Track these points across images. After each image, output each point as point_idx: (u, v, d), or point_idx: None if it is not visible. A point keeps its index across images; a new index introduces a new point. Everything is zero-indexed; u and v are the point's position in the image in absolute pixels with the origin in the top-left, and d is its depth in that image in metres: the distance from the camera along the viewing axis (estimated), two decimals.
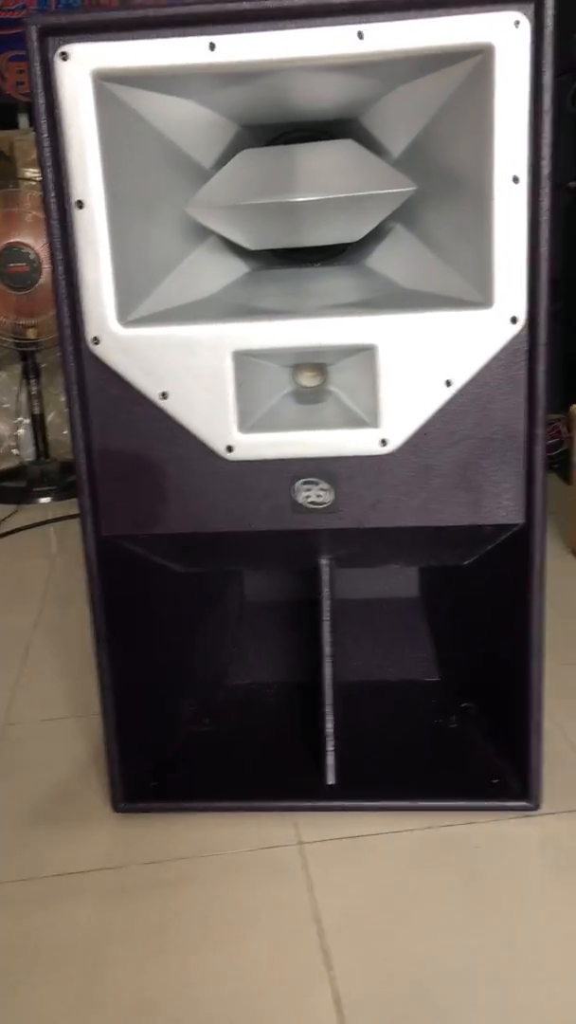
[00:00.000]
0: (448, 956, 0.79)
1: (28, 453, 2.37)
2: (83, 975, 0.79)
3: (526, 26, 0.77)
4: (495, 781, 0.98)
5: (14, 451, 2.44)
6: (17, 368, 2.31)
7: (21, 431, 2.40)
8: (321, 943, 0.81)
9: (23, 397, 2.28)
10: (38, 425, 2.29)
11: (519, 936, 0.81)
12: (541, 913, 0.83)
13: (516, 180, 0.80)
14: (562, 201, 2.54)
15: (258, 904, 0.86)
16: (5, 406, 2.51)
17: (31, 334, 2.10)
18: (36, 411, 2.27)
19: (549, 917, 0.83)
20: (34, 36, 0.80)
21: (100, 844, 0.95)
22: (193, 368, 0.87)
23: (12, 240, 2.02)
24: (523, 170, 0.80)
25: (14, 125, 2.40)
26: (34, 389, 2.24)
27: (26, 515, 2.11)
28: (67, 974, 0.79)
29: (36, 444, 2.31)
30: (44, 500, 2.16)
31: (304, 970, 0.78)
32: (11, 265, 2.02)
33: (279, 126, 0.92)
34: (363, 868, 0.90)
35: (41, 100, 0.81)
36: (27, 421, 2.34)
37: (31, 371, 2.22)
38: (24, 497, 2.15)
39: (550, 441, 2.19)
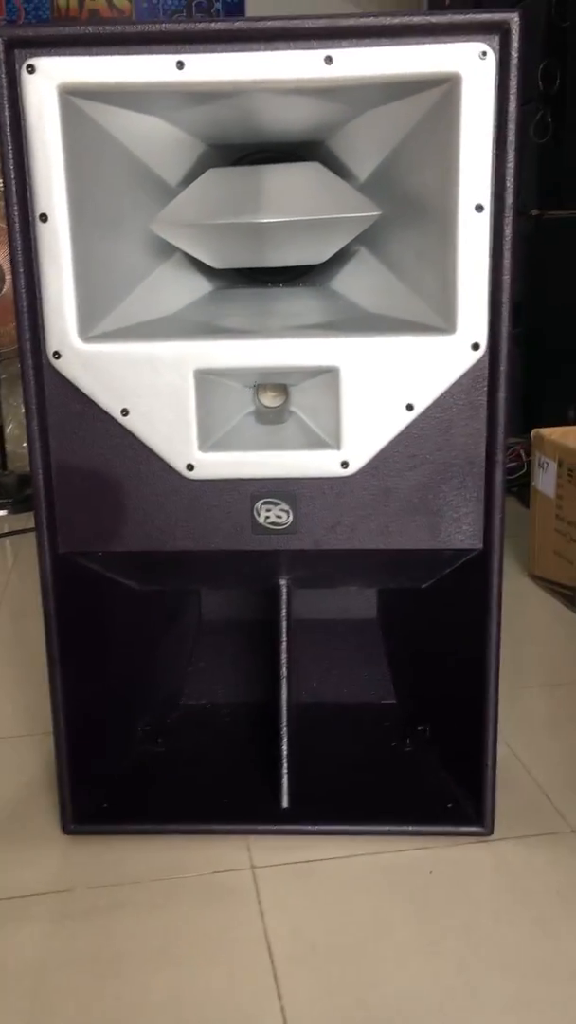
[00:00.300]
0: (399, 984, 0.78)
1: None
2: (29, 1002, 0.77)
3: (492, 57, 0.78)
4: (449, 806, 0.98)
5: None
6: None
7: None
8: (272, 970, 0.80)
9: None
10: None
11: (470, 964, 0.80)
12: (492, 939, 0.83)
13: (480, 208, 0.81)
14: (524, 229, 2.58)
15: (209, 930, 0.85)
16: None
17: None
18: None
19: (500, 943, 0.82)
20: (0, 48, 0.79)
21: (48, 867, 0.93)
22: (155, 385, 0.86)
23: None
24: (487, 199, 0.81)
25: None
26: None
27: None
28: (12, 1001, 0.77)
29: None
30: (1, 512, 2.13)
31: (254, 998, 0.77)
32: None
33: (246, 146, 0.93)
34: (316, 893, 0.89)
35: (6, 113, 0.80)
36: None
37: None
38: None
39: (509, 464, 2.22)
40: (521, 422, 2.61)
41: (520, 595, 1.60)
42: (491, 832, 0.96)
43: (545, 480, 1.57)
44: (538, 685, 1.29)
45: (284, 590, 1.01)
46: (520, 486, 2.11)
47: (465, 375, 0.85)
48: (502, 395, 0.85)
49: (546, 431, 1.58)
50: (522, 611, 1.54)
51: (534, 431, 1.61)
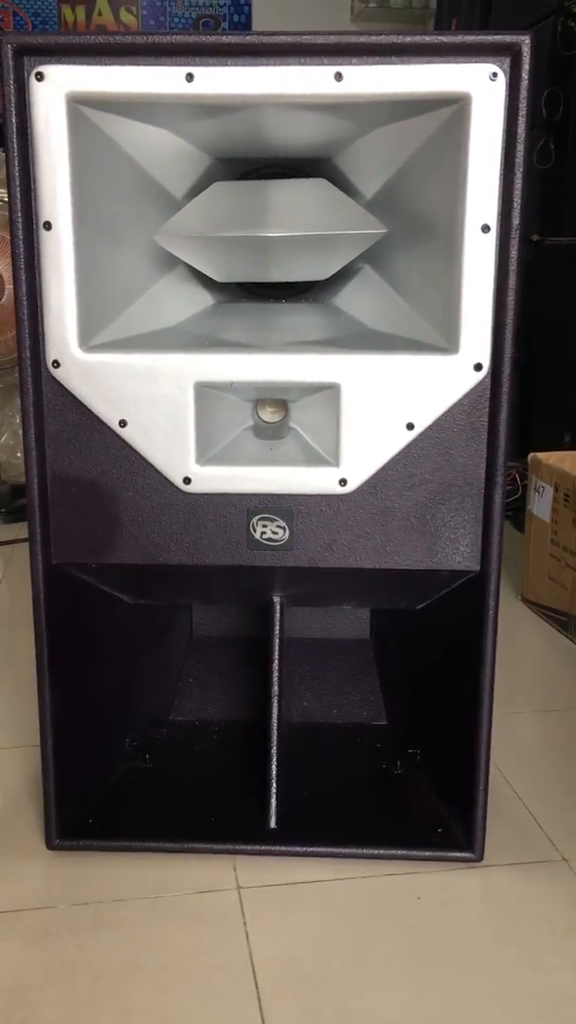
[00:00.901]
0: (383, 1011, 0.77)
1: None
2: (6, 1019, 0.76)
3: (502, 79, 0.78)
4: (439, 831, 0.97)
5: None
6: None
7: None
8: (256, 993, 0.79)
9: None
10: None
11: (456, 991, 0.79)
12: (479, 968, 0.82)
13: (486, 229, 0.81)
14: (525, 254, 2.59)
15: (193, 950, 0.83)
16: None
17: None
18: None
19: (487, 973, 0.81)
20: (10, 55, 0.79)
21: (31, 882, 0.92)
22: (154, 397, 0.86)
23: None
24: (493, 220, 0.81)
25: None
26: None
27: None
28: None
29: None
30: None
31: (237, 1022, 0.76)
32: None
33: (253, 161, 0.93)
34: (302, 916, 0.88)
35: (14, 119, 0.80)
36: None
37: None
38: None
39: (505, 487, 2.22)
40: (516, 446, 2.62)
41: (513, 620, 1.59)
42: (481, 858, 0.94)
43: (541, 505, 1.56)
44: (530, 711, 1.28)
45: (277, 607, 1.00)
46: (515, 510, 2.10)
47: (467, 396, 0.85)
48: (503, 417, 0.85)
49: (543, 455, 1.58)
50: (515, 636, 1.53)
51: (531, 455, 1.61)
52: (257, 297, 0.98)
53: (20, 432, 0.88)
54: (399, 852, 0.95)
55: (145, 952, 0.83)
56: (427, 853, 0.95)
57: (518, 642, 1.52)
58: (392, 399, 0.85)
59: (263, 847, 0.95)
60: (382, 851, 0.95)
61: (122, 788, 1.03)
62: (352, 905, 0.89)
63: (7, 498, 2.17)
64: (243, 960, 0.82)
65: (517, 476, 2.20)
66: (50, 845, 0.96)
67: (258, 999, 0.78)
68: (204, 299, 0.95)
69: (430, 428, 0.86)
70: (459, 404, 0.85)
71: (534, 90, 2.47)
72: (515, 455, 2.54)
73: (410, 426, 0.86)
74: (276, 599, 1.00)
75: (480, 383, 0.85)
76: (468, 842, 0.95)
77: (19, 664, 1.38)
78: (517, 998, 0.78)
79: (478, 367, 0.84)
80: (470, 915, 0.88)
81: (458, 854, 0.95)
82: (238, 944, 0.84)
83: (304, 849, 0.95)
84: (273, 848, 0.95)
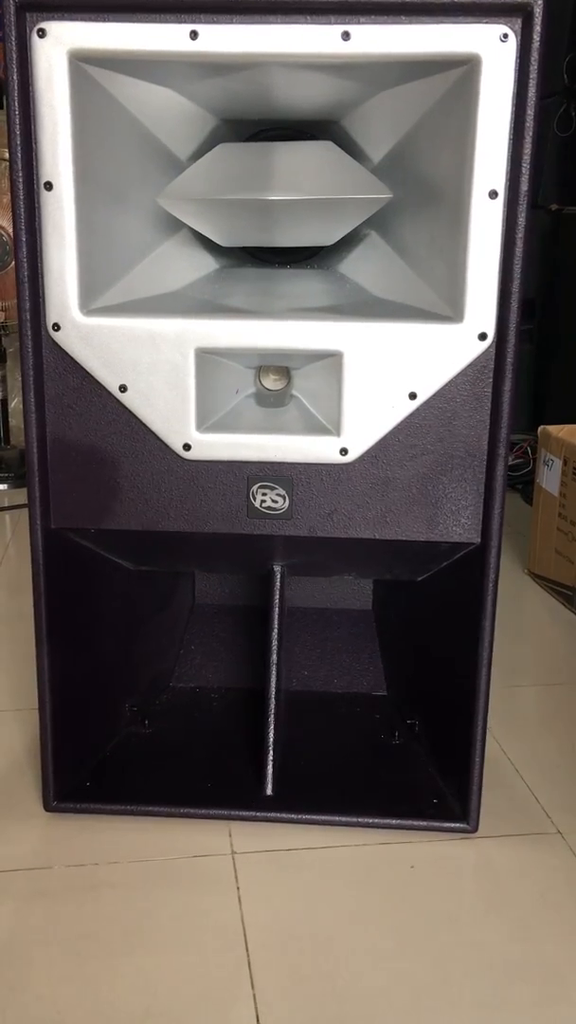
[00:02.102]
0: (372, 978, 0.77)
1: None
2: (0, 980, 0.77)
3: (513, 40, 0.76)
4: (435, 801, 0.97)
5: None
6: None
7: None
8: (247, 958, 0.79)
9: None
10: (1, 410, 2.25)
11: (446, 961, 0.79)
12: (469, 938, 0.82)
13: (493, 195, 0.79)
14: (542, 223, 2.55)
15: (185, 914, 0.84)
16: None
17: (0, 317, 2.07)
18: (1, 395, 2.24)
19: (476, 942, 0.81)
20: (12, 11, 0.78)
21: (27, 843, 0.93)
22: (154, 362, 0.85)
23: None
24: (501, 185, 0.79)
25: None
26: (1, 372, 2.20)
27: None
28: None
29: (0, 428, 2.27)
30: (2, 487, 2.12)
31: (227, 985, 0.76)
32: None
33: (259, 122, 0.91)
34: (295, 882, 0.88)
35: (15, 76, 0.79)
36: None
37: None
38: None
39: (515, 461, 2.21)
40: (529, 418, 2.60)
41: (518, 593, 1.58)
42: (476, 829, 0.95)
43: (550, 478, 1.55)
44: (533, 684, 1.28)
45: (278, 576, 0.99)
46: (525, 483, 2.09)
47: (471, 365, 0.84)
48: (508, 388, 0.84)
49: (553, 428, 1.57)
50: (520, 609, 1.53)
51: (541, 428, 1.59)
52: (262, 262, 0.96)
53: None
54: (394, 821, 0.95)
55: (138, 915, 0.84)
56: (422, 823, 0.95)
57: (523, 615, 1.51)
58: (395, 368, 0.84)
59: (259, 813, 0.96)
60: (377, 820, 0.95)
61: (121, 752, 1.04)
62: (345, 872, 0.89)
63: (16, 463, 2.17)
64: (235, 925, 0.83)
65: (528, 449, 2.18)
66: (47, 807, 0.96)
67: (248, 964, 0.78)
68: (208, 263, 0.93)
69: (433, 398, 0.85)
70: (463, 374, 0.84)
71: (555, 56, 2.41)
72: (529, 427, 2.52)
73: (413, 395, 0.85)
74: (277, 568, 1.00)
75: (484, 353, 0.83)
76: (463, 813, 0.95)
77: (23, 627, 1.38)
78: (506, 968, 0.79)
79: (483, 336, 0.83)
80: (462, 885, 0.88)
81: (453, 824, 0.95)
82: (230, 909, 0.85)
83: (299, 816, 0.95)
84: (269, 815, 0.95)
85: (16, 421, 2.30)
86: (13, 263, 1.98)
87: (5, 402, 2.25)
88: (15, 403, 2.34)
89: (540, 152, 0.75)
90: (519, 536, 1.84)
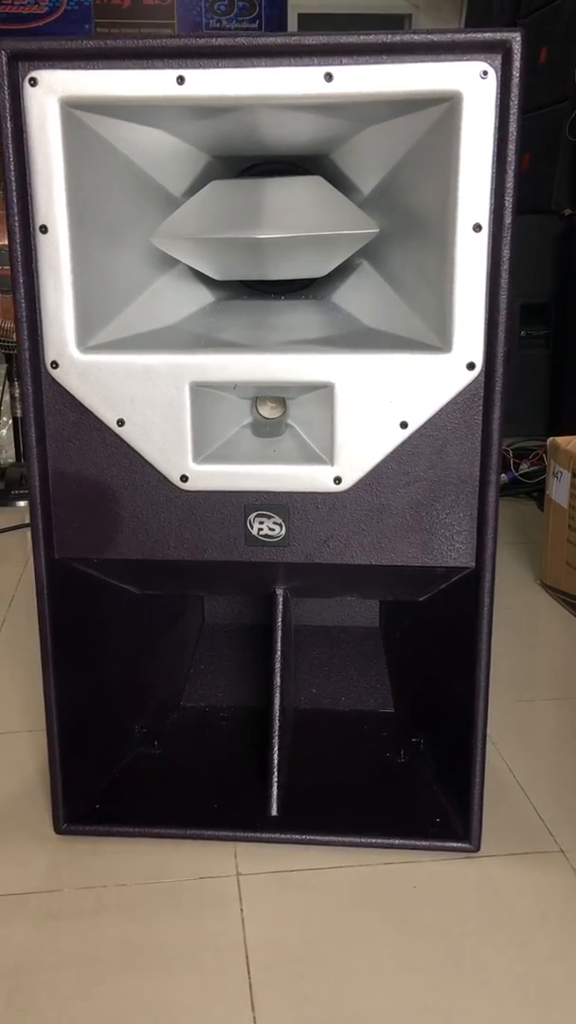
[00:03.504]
0: (374, 999, 0.79)
1: (9, 455, 2.37)
2: (6, 1001, 0.79)
3: (493, 76, 0.78)
4: (438, 820, 0.98)
5: None
6: (2, 368, 2.31)
7: (3, 432, 2.40)
8: (248, 981, 0.81)
9: (7, 398, 2.28)
10: (20, 428, 2.29)
11: (447, 982, 0.81)
12: (471, 959, 0.83)
13: (478, 228, 0.80)
14: (556, 228, 2.55)
15: (191, 936, 0.86)
16: None
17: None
18: (19, 413, 2.27)
19: (478, 963, 0.83)
20: (3, 60, 0.80)
21: (37, 865, 0.95)
22: (150, 397, 0.87)
23: (1, 243, 2.01)
24: (485, 218, 0.80)
25: None
26: (17, 391, 2.24)
27: (4, 517, 2.10)
28: None
29: (17, 446, 2.31)
30: (22, 503, 2.16)
31: (228, 1008, 0.78)
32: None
33: (250, 158, 0.93)
34: (298, 904, 0.90)
35: (8, 124, 0.81)
36: (10, 422, 2.34)
37: (15, 373, 2.22)
38: (2, 499, 2.15)
39: (530, 468, 2.21)
40: (545, 424, 2.60)
41: (530, 605, 1.59)
42: (478, 849, 0.96)
43: (559, 490, 1.56)
44: (542, 699, 1.29)
45: (280, 599, 1.01)
46: (539, 491, 2.09)
47: (460, 394, 0.85)
48: (496, 415, 0.85)
49: (562, 440, 1.57)
50: (531, 621, 1.53)
51: (550, 440, 1.60)
52: (256, 293, 0.98)
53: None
54: (396, 841, 0.96)
55: (144, 937, 0.86)
56: (424, 843, 0.96)
57: (534, 628, 1.52)
58: (386, 398, 0.85)
59: (263, 835, 0.97)
60: (380, 840, 0.97)
61: (130, 774, 1.06)
62: (347, 893, 0.91)
63: None
64: (237, 946, 0.85)
65: (544, 455, 2.18)
66: (58, 830, 0.99)
67: (249, 985, 0.80)
68: (203, 296, 0.96)
69: (424, 426, 0.86)
70: (453, 403, 0.85)
71: (564, 64, 2.40)
72: (545, 432, 2.52)
73: (404, 424, 0.86)
74: (279, 591, 1.01)
75: (474, 382, 0.85)
76: (465, 832, 0.96)
77: (34, 647, 1.41)
78: (507, 989, 0.80)
79: (471, 366, 0.84)
80: (464, 905, 0.90)
81: (455, 844, 0.96)
82: (234, 931, 0.86)
83: (303, 837, 0.97)
84: (273, 836, 0.97)
85: None
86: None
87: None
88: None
89: (519, 184, 0.77)
90: (532, 545, 1.85)
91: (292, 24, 5.39)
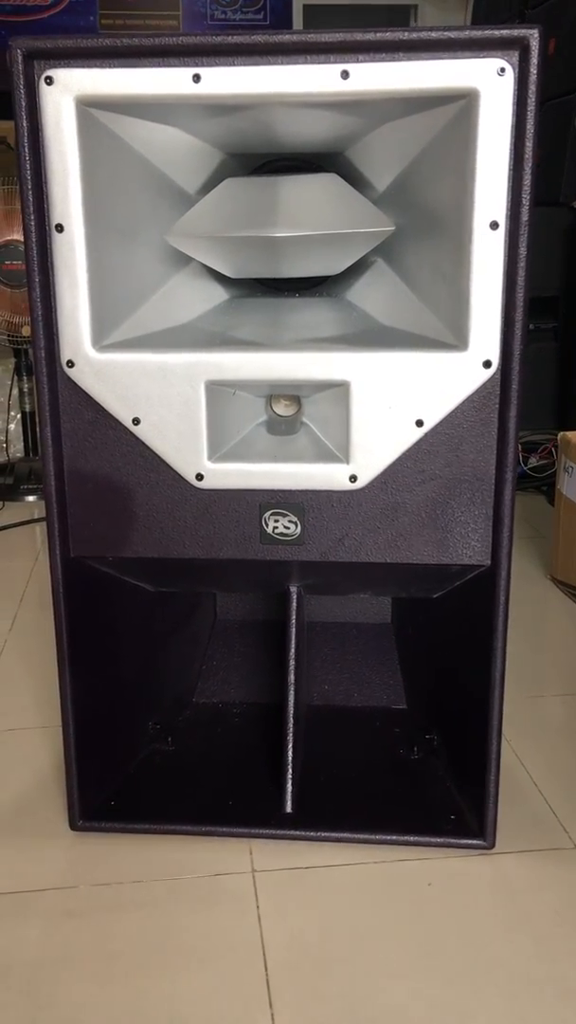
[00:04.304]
0: (390, 996, 0.79)
1: (18, 449, 2.37)
2: (26, 997, 0.79)
3: (511, 74, 0.77)
4: (452, 817, 0.98)
5: (3, 444, 2.44)
6: (11, 363, 2.31)
7: (12, 426, 2.40)
8: (266, 977, 0.81)
9: (15, 393, 2.28)
10: (29, 422, 2.29)
11: (462, 979, 0.81)
12: (486, 956, 0.83)
13: (494, 226, 0.80)
14: (565, 219, 2.54)
15: (207, 933, 0.86)
16: None
17: (25, 331, 2.10)
18: (27, 408, 2.28)
19: (493, 960, 0.83)
20: (19, 59, 0.80)
21: (54, 862, 0.95)
22: (166, 395, 0.87)
23: (9, 238, 2.01)
24: (502, 216, 0.80)
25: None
26: (26, 386, 2.24)
27: (12, 512, 2.11)
28: (9, 996, 0.80)
29: (26, 441, 2.31)
30: (31, 498, 2.16)
31: (245, 1005, 0.78)
32: (7, 263, 2.02)
33: (265, 155, 0.92)
34: (314, 900, 0.90)
35: (24, 123, 0.81)
36: (18, 416, 2.34)
37: (23, 368, 2.22)
38: (11, 494, 2.15)
39: (540, 462, 2.21)
40: (555, 417, 2.59)
41: (541, 600, 1.59)
42: (492, 846, 0.96)
43: (570, 485, 1.55)
44: (554, 694, 1.29)
45: (294, 597, 1.01)
46: (549, 485, 2.09)
47: (476, 392, 0.85)
48: (513, 413, 0.85)
49: (572, 435, 1.57)
50: (543, 616, 1.53)
51: (560, 434, 1.59)
52: (271, 291, 0.98)
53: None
54: (411, 838, 0.96)
55: (160, 933, 0.86)
56: (439, 840, 0.96)
57: (546, 622, 1.52)
58: (402, 396, 0.85)
59: (278, 831, 0.98)
60: (395, 837, 0.97)
61: (145, 770, 1.07)
62: (363, 890, 0.91)
63: None
64: (254, 943, 0.85)
65: (553, 449, 2.18)
66: (73, 826, 0.99)
67: (267, 982, 0.81)
68: (218, 294, 0.95)
69: (440, 425, 0.86)
70: (469, 401, 0.85)
71: (573, 54, 2.38)
72: (556, 426, 2.51)
73: (419, 423, 0.86)
74: (293, 588, 1.02)
75: (490, 380, 0.84)
76: (480, 829, 0.96)
77: (46, 643, 1.41)
78: (523, 985, 0.80)
79: (487, 364, 0.84)
80: (479, 902, 0.90)
81: (470, 841, 0.96)
82: (250, 927, 0.87)
83: (318, 834, 0.97)
84: (288, 833, 0.97)
85: None
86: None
87: (33, 414, 2.29)
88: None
89: (537, 181, 0.76)
90: (543, 540, 1.84)
91: (298, 15, 5.37)
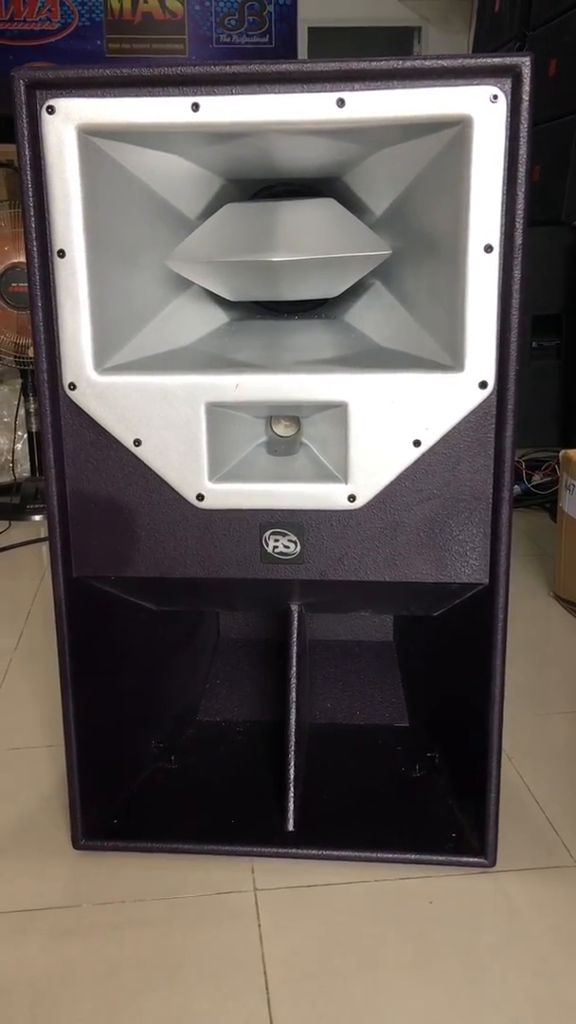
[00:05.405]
0: (390, 1015, 0.79)
1: (24, 469, 2.39)
2: (28, 1017, 0.80)
3: (503, 100, 0.79)
4: (453, 835, 0.99)
5: (10, 464, 2.45)
6: (18, 383, 2.33)
7: (19, 446, 2.42)
8: (267, 995, 0.82)
9: (22, 413, 2.30)
10: (35, 442, 2.31)
11: (463, 998, 0.81)
12: (487, 976, 0.84)
13: (489, 249, 0.81)
14: (567, 239, 2.56)
15: (209, 951, 0.87)
16: (5, 420, 2.53)
17: (31, 352, 2.12)
18: (34, 428, 2.29)
19: (494, 979, 0.83)
20: (22, 89, 0.81)
21: (56, 881, 0.96)
22: (167, 417, 0.88)
23: (15, 260, 2.04)
24: (496, 240, 0.81)
25: None
26: (32, 406, 2.26)
27: (19, 532, 2.12)
28: (11, 1015, 0.80)
29: (32, 461, 2.33)
30: (37, 518, 2.17)
31: (247, 1023, 0.79)
32: (13, 284, 2.04)
33: (264, 180, 0.94)
34: (315, 919, 0.90)
35: (27, 151, 0.83)
36: (25, 436, 2.35)
37: (30, 389, 2.24)
38: (18, 514, 2.17)
39: (543, 480, 2.21)
40: (558, 434, 2.60)
41: (544, 617, 1.59)
42: (494, 864, 0.96)
43: (572, 503, 1.56)
44: (557, 712, 1.29)
45: (295, 615, 1.02)
46: (553, 503, 2.09)
47: (473, 412, 0.86)
48: (509, 433, 0.86)
49: (573, 452, 1.58)
50: (546, 633, 1.54)
51: (562, 452, 1.60)
52: (270, 313, 0.99)
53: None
54: (412, 856, 0.97)
55: (162, 952, 0.86)
56: (440, 858, 0.97)
57: (549, 640, 1.52)
58: (399, 416, 0.86)
59: (280, 849, 0.98)
60: (396, 855, 0.97)
61: (147, 789, 1.07)
62: (364, 909, 0.91)
63: None
64: (255, 962, 0.85)
65: (556, 467, 2.19)
66: (76, 845, 1.00)
67: (268, 1001, 0.81)
68: (218, 317, 0.97)
69: (437, 445, 0.87)
70: (465, 421, 0.86)
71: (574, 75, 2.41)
72: (558, 442, 2.52)
73: (417, 443, 0.87)
74: (294, 607, 1.02)
75: (486, 400, 0.85)
76: (481, 847, 0.96)
77: (52, 662, 1.42)
78: (523, 1005, 0.80)
79: (483, 385, 0.85)
80: (480, 921, 0.90)
81: (471, 859, 0.96)
82: (252, 945, 0.87)
83: (320, 852, 0.98)
84: (289, 851, 0.98)
85: None
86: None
87: (40, 434, 2.30)
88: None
89: (529, 204, 0.77)
90: (545, 557, 1.85)
91: (302, 38, 5.44)
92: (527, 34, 2.91)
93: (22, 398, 2.27)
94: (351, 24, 5.46)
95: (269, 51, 5.28)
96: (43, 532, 2.11)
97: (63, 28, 5.16)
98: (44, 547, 2.04)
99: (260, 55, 5.19)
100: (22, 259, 2.05)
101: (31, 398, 2.26)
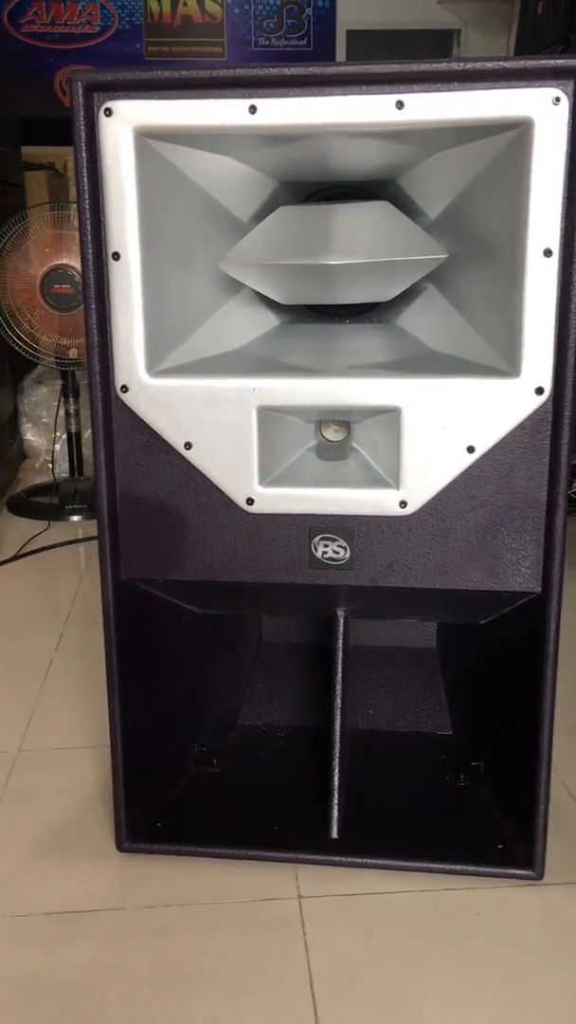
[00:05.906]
0: None
1: (63, 469, 2.40)
2: (74, 1018, 0.80)
3: (566, 103, 0.78)
4: (500, 846, 0.97)
5: (49, 465, 2.47)
6: (58, 384, 2.34)
7: (58, 446, 2.43)
8: (313, 1004, 0.81)
9: (62, 413, 2.31)
10: (74, 443, 2.32)
11: (508, 1011, 0.80)
12: (533, 989, 0.82)
13: (548, 253, 0.80)
14: None
15: (253, 958, 0.86)
16: (44, 420, 2.54)
17: (72, 354, 2.13)
18: (73, 429, 2.30)
19: (540, 993, 0.82)
20: (80, 92, 0.82)
21: (101, 883, 0.96)
22: (218, 420, 0.88)
23: (58, 262, 2.05)
24: (556, 244, 0.80)
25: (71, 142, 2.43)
26: (72, 407, 2.27)
27: (58, 532, 2.13)
28: (57, 1016, 0.80)
29: (71, 461, 2.34)
30: (76, 518, 2.18)
31: None
32: (56, 286, 2.05)
33: (318, 183, 0.93)
34: (360, 928, 0.89)
35: (84, 154, 0.83)
36: (64, 437, 2.36)
37: (70, 390, 2.25)
38: (56, 514, 2.18)
39: None
40: None
41: None
42: (541, 876, 0.95)
43: None
44: None
45: (341, 621, 1.01)
46: None
47: (528, 419, 0.85)
48: (565, 440, 0.84)
49: None
50: None
51: None
52: (322, 317, 0.99)
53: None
54: (458, 867, 0.96)
55: (206, 958, 0.86)
56: (486, 869, 0.95)
57: None
58: (453, 422, 0.85)
59: (324, 857, 0.97)
60: (442, 865, 0.96)
61: (190, 792, 1.07)
62: (410, 919, 0.91)
63: (90, 494, 2.23)
64: (301, 970, 0.85)
65: None
66: (120, 847, 0.99)
67: (314, 1010, 0.80)
68: (269, 320, 0.96)
69: (491, 451, 0.86)
70: (520, 427, 0.85)
71: None
72: None
73: (471, 449, 0.86)
74: (340, 613, 1.02)
75: (542, 407, 0.84)
76: (528, 860, 0.95)
77: (96, 662, 1.42)
78: (568, 1019, 0.79)
79: (539, 391, 0.84)
80: (527, 934, 0.89)
81: (518, 871, 0.95)
82: (297, 954, 0.86)
83: (364, 860, 0.97)
84: (334, 859, 0.97)
85: (89, 452, 2.37)
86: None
87: (79, 434, 2.31)
88: (88, 434, 2.41)
89: None
90: None
91: (340, 41, 5.43)
92: (571, 37, 2.88)
93: (62, 399, 2.28)
94: (389, 27, 5.45)
95: (307, 54, 5.29)
96: (81, 533, 2.12)
97: (103, 31, 5.20)
98: (82, 547, 2.05)
99: (298, 58, 5.20)
100: (64, 261, 2.06)
101: (71, 399, 2.27)
